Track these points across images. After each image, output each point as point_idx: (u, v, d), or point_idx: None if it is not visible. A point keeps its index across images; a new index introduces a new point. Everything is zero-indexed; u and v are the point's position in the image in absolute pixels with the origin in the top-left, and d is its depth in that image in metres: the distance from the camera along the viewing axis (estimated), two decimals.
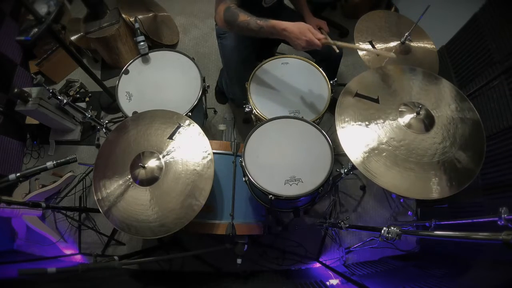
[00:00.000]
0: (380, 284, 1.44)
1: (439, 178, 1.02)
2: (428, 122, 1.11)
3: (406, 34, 1.38)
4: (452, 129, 1.11)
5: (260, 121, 1.40)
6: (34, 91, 1.91)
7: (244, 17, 1.24)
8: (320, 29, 1.55)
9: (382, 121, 1.11)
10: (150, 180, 1.16)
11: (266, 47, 1.81)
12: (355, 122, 1.11)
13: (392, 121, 1.11)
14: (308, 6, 1.71)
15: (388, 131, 1.09)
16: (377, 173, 1.02)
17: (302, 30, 1.14)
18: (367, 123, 1.10)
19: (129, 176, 1.18)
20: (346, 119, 1.11)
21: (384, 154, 1.04)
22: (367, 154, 1.04)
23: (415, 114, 1.10)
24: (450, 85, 1.22)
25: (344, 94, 1.17)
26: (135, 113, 1.42)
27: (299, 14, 1.70)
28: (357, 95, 1.16)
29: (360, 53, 1.41)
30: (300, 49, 1.19)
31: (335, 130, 1.09)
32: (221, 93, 2.22)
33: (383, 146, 1.06)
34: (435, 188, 1.01)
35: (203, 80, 1.52)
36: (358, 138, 1.07)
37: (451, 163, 1.05)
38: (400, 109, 1.14)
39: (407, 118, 1.11)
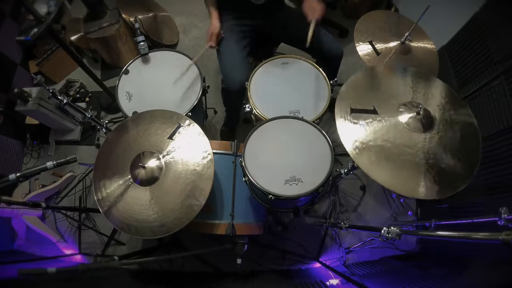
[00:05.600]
0: (380, 284, 1.44)
1: (429, 179, 1.03)
2: (426, 123, 1.11)
3: (406, 34, 1.38)
4: (447, 132, 1.11)
5: (260, 121, 1.40)
6: (34, 91, 1.91)
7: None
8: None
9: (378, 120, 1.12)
10: (150, 180, 1.16)
11: (265, 47, 1.80)
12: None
13: (390, 120, 1.12)
14: None
15: (385, 129, 1.10)
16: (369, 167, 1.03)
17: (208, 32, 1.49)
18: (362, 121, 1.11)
19: (129, 176, 1.18)
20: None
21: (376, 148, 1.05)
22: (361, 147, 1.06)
23: (414, 114, 1.10)
24: (445, 86, 1.22)
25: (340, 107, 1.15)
26: (135, 113, 1.42)
27: (299, 13, 1.69)
28: (353, 111, 1.14)
29: (360, 52, 1.41)
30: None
31: (335, 130, 1.09)
32: None
33: (381, 143, 1.07)
34: (423, 189, 1.02)
35: (203, 80, 1.52)
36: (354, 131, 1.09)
37: (444, 166, 1.05)
38: (399, 109, 1.14)
39: (405, 117, 1.12)
